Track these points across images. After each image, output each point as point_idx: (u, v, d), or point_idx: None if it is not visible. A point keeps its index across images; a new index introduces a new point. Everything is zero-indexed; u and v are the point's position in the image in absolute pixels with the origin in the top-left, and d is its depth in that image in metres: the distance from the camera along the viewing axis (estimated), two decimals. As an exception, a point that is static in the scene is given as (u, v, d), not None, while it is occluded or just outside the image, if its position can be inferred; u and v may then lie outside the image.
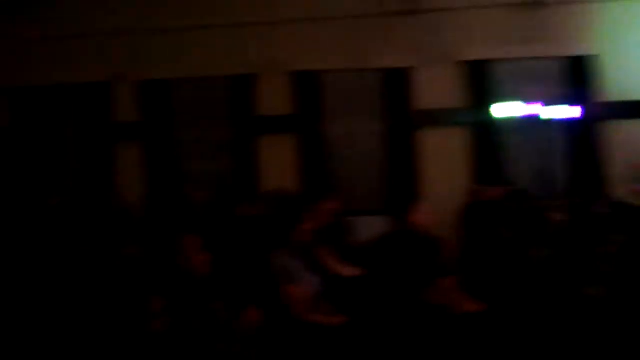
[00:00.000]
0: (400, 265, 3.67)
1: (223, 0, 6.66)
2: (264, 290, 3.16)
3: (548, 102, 6.46)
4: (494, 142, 6.53)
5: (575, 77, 6.46)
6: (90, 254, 3.60)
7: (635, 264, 3.86)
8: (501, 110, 6.50)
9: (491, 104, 6.51)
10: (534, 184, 6.41)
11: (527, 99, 6.49)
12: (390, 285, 3.53)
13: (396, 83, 6.56)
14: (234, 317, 2.54)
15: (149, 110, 6.73)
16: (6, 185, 6.73)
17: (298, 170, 6.55)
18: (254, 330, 2.73)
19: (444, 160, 6.47)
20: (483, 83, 6.53)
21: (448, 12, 6.52)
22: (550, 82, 6.56)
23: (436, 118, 6.52)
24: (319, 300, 3.35)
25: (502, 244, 4.70)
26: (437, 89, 6.50)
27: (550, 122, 6.51)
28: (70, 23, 6.82)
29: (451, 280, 3.63)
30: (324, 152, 6.63)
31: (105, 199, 6.05)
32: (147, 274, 2.33)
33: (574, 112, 6.42)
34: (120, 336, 1.72)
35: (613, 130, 6.38)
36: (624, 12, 6.51)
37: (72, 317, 2.30)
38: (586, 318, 3.55)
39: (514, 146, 6.60)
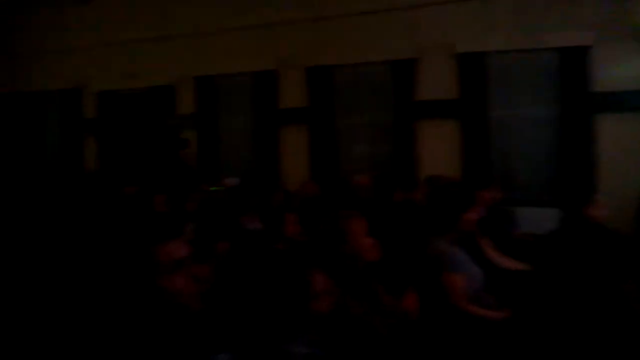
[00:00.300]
0: (577, 262, 3.38)
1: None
2: (424, 277, 3.13)
3: None
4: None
5: None
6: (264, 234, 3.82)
7: None
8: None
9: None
10: None
11: None
12: (564, 284, 3.27)
13: (572, 63, 5.96)
14: (394, 302, 2.55)
15: (314, 96, 7.00)
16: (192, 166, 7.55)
17: (459, 156, 6.33)
18: (413, 316, 2.72)
19: (623, 149, 5.79)
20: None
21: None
22: None
23: (619, 101, 5.82)
24: (480, 292, 3.23)
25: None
26: (621, 68, 5.81)
27: None
28: (239, 15, 7.40)
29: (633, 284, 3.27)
30: (488, 138, 6.30)
31: (270, 182, 6.51)
32: (310, 254, 2.41)
33: None
34: (282, 315, 1.79)
35: None
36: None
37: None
38: None
39: None
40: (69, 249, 3.38)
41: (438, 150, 6.44)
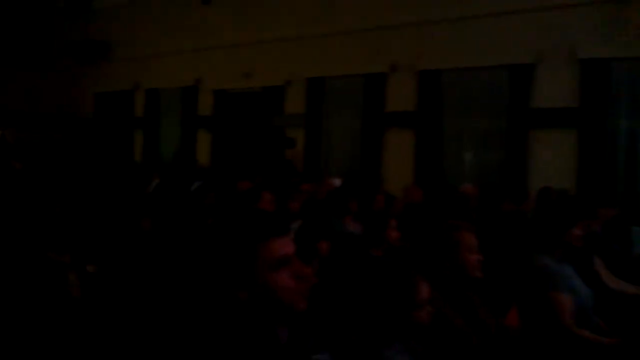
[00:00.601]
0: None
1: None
2: (528, 294, 3.00)
3: None
4: None
5: None
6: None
7: None
8: None
9: None
10: None
11: None
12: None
13: None
14: (494, 317, 2.47)
15: (423, 100, 6.91)
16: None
17: (576, 169, 5.91)
18: (514, 334, 2.62)
19: None
20: None
21: None
22: None
23: None
24: (588, 313, 3.03)
25: None
26: None
27: None
28: (352, 19, 7.49)
29: None
30: (609, 150, 5.81)
31: (372, 184, 6.52)
32: (413, 262, 2.39)
33: None
34: (384, 321, 1.81)
35: None
36: None
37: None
38: None
39: None
40: (179, 240, 3.62)
41: (553, 160, 6.08)
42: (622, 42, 5.64)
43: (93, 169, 7.17)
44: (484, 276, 2.47)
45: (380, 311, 1.84)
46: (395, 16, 7.09)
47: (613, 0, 5.71)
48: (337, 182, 5.71)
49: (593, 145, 5.82)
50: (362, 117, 7.51)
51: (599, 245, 3.95)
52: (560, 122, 6.04)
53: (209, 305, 1.29)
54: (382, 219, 3.61)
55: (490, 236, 3.57)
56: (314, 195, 5.40)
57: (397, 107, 7.16)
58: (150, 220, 3.29)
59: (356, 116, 7.61)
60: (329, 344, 1.46)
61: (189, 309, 2.94)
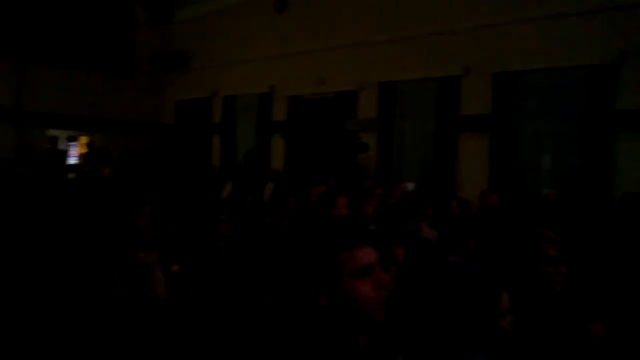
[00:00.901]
0: None
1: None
2: (613, 305, 2.87)
3: None
4: None
5: None
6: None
7: None
8: None
9: None
10: None
11: None
12: None
13: None
14: (579, 328, 2.39)
15: (498, 102, 6.75)
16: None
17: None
18: (599, 344, 2.52)
19: None
20: None
21: None
22: None
23: None
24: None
25: None
26: None
27: None
28: (425, 22, 7.42)
29: None
30: None
31: (446, 189, 6.43)
32: (496, 269, 2.34)
33: None
34: (466, 329, 1.80)
35: None
36: None
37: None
38: None
39: None
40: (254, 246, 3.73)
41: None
42: None
43: (175, 173, 7.50)
44: (568, 285, 2.39)
45: (463, 320, 1.82)
46: (470, 18, 6.97)
47: None
48: (410, 186, 5.67)
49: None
50: (435, 121, 7.43)
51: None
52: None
53: (291, 309, 1.33)
54: (459, 225, 3.55)
55: (572, 244, 3.44)
56: (388, 199, 5.41)
57: (472, 110, 7.02)
58: (229, 224, 3.38)
59: (429, 120, 7.53)
60: (407, 351, 1.45)
61: (271, 312, 3.03)
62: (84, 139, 13.00)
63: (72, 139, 13.47)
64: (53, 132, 11.94)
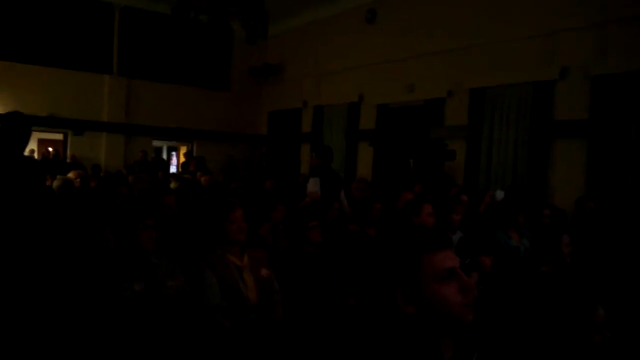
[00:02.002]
0: None
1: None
2: None
3: None
4: None
5: None
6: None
7: None
8: None
9: None
10: None
11: None
12: None
13: None
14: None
15: (597, 107, 6.39)
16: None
17: None
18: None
19: None
20: None
21: None
22: None
23: None
24: None
25: None
26: None
27: None
28: (517, 25, 7.19)
29: None
30: None
31: (538, 197, 6.16)
32: (593, 281, 2.25)
33: None
34: (561, 342, 1.75)
35: None
36: None
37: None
38: None
39: None
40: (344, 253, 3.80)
41: None
42: None
43: (266, 181, 7.76)
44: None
45: (557, 333, 1.77)
46: (567, 19, 6.66)
47: None
48: (499, 194, 5.52)
49: None
50: (527, 127, 7.16)
51: None
52: None
53: (376, 315, 1.33)
54: (553, 234, 3.44)
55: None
56: (475, 207, 5.31)
57: (568, 115, 6.70)
58: (318, 230, 3.47)
59: (521, 126, 7.28)
60: (496, 355, 1.44)
61: (356, 317, 3.09)
62: (183, 149, 13.82)
63: (173, 148, 14.37)
64: (157, 143, 12.81)
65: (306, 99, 11.58)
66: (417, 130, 8.88)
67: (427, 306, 1.24)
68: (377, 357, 1.24)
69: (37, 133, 13.60)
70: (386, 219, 4.36)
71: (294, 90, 11.96)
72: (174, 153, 14.76)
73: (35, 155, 13.49)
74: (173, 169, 13.26)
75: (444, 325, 1.24)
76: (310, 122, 11.48)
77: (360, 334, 1.34)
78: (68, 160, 10.91)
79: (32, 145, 14.51)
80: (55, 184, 4.59)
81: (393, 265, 1.28)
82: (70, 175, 4.26)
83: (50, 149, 13.14)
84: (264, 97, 13.32)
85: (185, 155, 13.63)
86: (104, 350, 2.28)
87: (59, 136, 12.16)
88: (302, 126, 11.83)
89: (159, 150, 12.58)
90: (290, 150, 12.16)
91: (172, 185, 6.09)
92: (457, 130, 8.04)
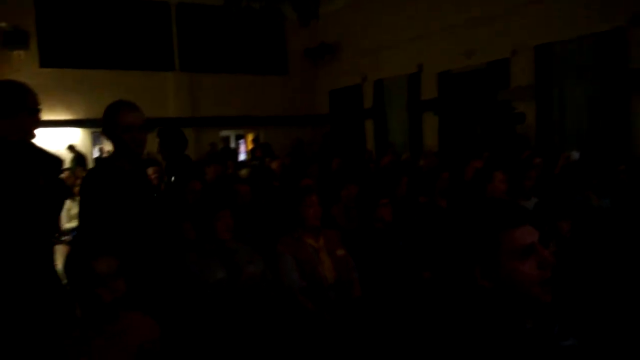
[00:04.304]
0: None
1: None
2: None
3: None
4: None
5: None
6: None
7: None
8: None
9: None
10: None
11: None
12: None
13: None
14: None
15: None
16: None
17: None
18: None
19: None
20: None
21: None
22: None
23: None
24: None
25: None
26: None
27: None
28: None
29: None
30: None
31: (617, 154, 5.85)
32: None
33: None
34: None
35: None
36: None
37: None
38: None
39: None
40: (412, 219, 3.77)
41: None
42: None
43: (333, 161, 7.78)
44: None
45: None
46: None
47: None
48: (575, 155, 5.30)
49: None
50: (600, 82, 6.76)
51: None
52: None
53: (454, 290, 1.34)
54: (632, 190, 3.27)
55: None
56: (551, 170, 5.12)
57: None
58: (389, 208, 3.46)
59: (594, 80, 6.88)
60: (576, 329, 1.41)
61: (431, 290, 3.10)
62: (250, 136, 14.12)
63: (240, 137, 14.71)
64: (224, 133, 13.16)
65: (365, 74, 11.50)
66: (482, 95, 8.62)
67: (505, 283, 1.23)
68: (459, 330, 1.25)
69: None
70: (456, 189, 4.30)
71: (352, 67, 11.90)
72: (241, 141, 15.11)
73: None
74: (242, 157, 13.58)
75: (522, 302, 1.24)
76: (371, 97, 11.39)
77: (439, 308, 1.35)
78: (143, 157, 11.36)
79: (108, 145, 15.31)
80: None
81: (471, 241, 1.28)
82: (149, 171, 4.46)
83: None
84: (323, 76, 13.34)
85: (252, 142, 13.92)
86: (193, 337, 2.42)
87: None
88: (363, 102, 11.77)
89: (226, 139, 12.91)
90: (354, 127, 12.15)
91: (243, 172, 6.28)
92: (525, 91, 7.72)
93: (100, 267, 1.77)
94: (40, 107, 2.26)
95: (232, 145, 14.03)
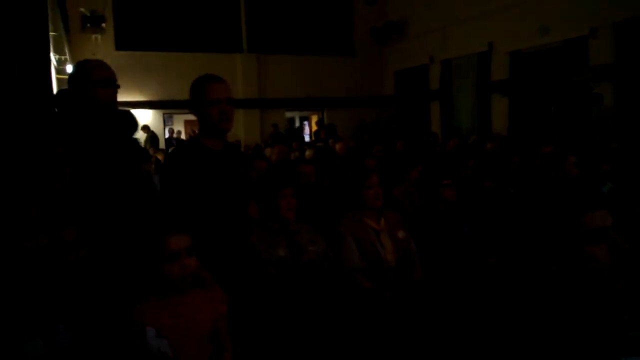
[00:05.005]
0: None
1: None
2: None
3: None
4: None
5: None
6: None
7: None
8: None
9: None
10: None
11: None
12: None
13: None
14: None
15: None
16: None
17: None
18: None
19: None
20: None
21: None
22: None
23: None
24: None
25: None
26: None
27: None
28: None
29: None
30: None
31: None
32: None
33: None
34: None
35: None
36: None
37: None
38: None
39: None
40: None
41: None
42: None
43: (395, 143, 7.71)
44: None
45: None
46: None
47: None
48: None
49: None
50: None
51: None
52: None
53: (521, 273, 1.34)
54: None
55: None
56: (628, 154, 4.84)
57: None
58: (452, 189, 3.41)
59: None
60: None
61: (497, 276, 3.03)
62: (314, 118, 14.21)
63: (305, 118, 14.84)
64: (289, 114, 13.31)
65: (432, 54, 11.23)
66: (556, 76, 8.22)
67: (577, 266, 1.23)
68: (526, 314, 1.25)
69: (183, 115, 14.82)
70: (526, 174, 4.16)
71: (419, 47, 11.65)
72: (305, 122, 15.24)
73: (183, 136, 14.73)
74: (306, 139, 13.70)
75: (592, 287, 1.23)
76: (438, 78, 11.13)
77: (505, 292, 1.35)
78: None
79: (179, 126, 15.86)
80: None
81: (544, 224, 1.28)
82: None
83: (196, 130, 14.18)
84: (389, 56, 13.15)
85: (316, 123, 14.00)
86: (257, 315, 2.49)
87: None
88: (430, 83, 11.52)
89: (291, 121, 13.07)
90: (419, 109, 11.94)
91: (307, 154, 6.34)
92: (604, 71, 7.29)
93: (173, 244, 1.82)
94: (111, 77, 2.35)
95: (297, 126, 14.20)
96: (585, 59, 7.63)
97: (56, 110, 2.79)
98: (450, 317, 2.73)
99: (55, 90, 4.18)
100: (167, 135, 13.29)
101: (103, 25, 10.80)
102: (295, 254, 2.72)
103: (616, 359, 1.19)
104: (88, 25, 10.67)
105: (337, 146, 7.03)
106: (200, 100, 2.29)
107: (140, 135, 10.71)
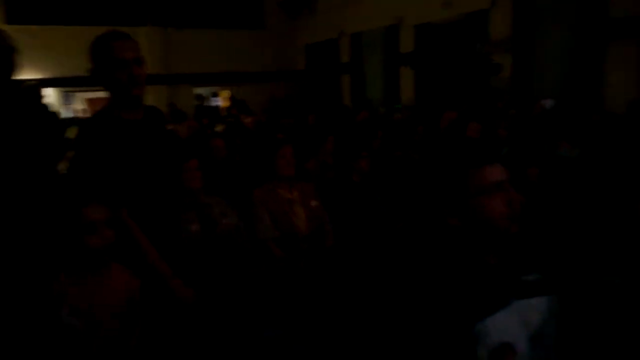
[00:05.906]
0: None
1: None
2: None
3: None
4: None
5: None
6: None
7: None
8: None
9: None
10: None
11: None
12: None
13: None
14: None
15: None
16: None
17: None
18: None
19: None
20: None
21: None
22: None
23: None
24: None
25: None
26: None
27: None
28: None
29: None
30: None
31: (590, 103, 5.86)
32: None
33: None
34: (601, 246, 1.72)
35: None
36: None
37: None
38: None
39: None
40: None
41: None
42: None
43: (309, 116, 7.74)
44: None
45: (610, 240, 1.74)
46: None
47: None
48: (548, 103, 5.33)
49: None
50: (577, 31, 6.73)
51: None
52: None
53: (423, 232, 1.38)
54: (600, 140, 3.34)
55: None
56: (524, 119, 5.17)
57: (626, 11, 6.13)
58: (367, 160, 3.48)
59: (571, 31, 6.84)
60: (539, 265, 1.46)
61: (405, 237, 3.15)
62: (225, 94, 13.90)
63: (215, 94, 14.48)
64: (198, 90, 12.91)
65: (342, 28, 11.28)
66: (460, 48, 8.55)
67: (472, 219, 1.26)
68: (423, 268, 1.28)
69: (83, 93, 13.97)
70: (431, 140, 4.32)
71: (330, 20, 11.64)
72: (216, 98, 14.90)
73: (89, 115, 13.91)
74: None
75: (489, 236, 1.26)
76: (348, 51, 11.24)
77: (407, 250, 1.37)
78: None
79: (81, 105, 14.97)
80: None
81: (440, 180, 1.30)
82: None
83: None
84: (300, 30, 13.06)
85: (229, 99, 13.73)
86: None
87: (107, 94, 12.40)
88: (340, 56, 11.61)
89: (199, 97, 12.71)
90: (330, 83, 12.02)
91: (218, 128, 6.23)
92: (503, 43, 7.67)
93: (91, 214, 1.76)
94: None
95: (207, 103, 13.84)
96: (487, 31, 7.98)
97: None
98: (360, 280, 2.81)
99: None
100: (71, 115, 12.50)
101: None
102: (208, 227, 2.68)
103: (508, 301, 1.25)
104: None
105: (248, 120, 6.96)
106: (105, 62, 1.93)
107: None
